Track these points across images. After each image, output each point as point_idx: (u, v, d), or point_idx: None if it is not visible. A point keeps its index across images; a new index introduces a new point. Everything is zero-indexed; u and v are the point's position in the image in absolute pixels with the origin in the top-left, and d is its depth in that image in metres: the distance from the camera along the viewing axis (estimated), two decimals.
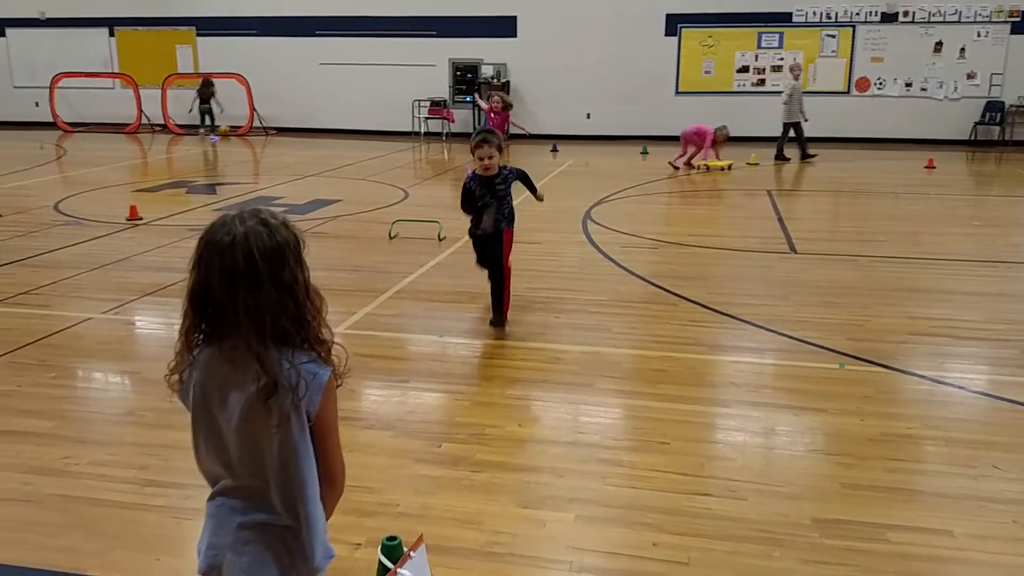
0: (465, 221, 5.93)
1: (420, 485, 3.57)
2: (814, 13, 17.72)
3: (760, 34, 18.11)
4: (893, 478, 3.65)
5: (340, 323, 5.71)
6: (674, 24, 18.33)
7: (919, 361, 5.05)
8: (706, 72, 18.45)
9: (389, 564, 2.42)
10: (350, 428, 4.13)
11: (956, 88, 17.43)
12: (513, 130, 14.49)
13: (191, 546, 3.04)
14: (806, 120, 15.09)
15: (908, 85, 17.61)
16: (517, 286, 6.66)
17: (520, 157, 15.81)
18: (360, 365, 4.99)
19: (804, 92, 16.84)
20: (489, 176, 5.50)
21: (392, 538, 2.47)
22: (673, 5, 18.17)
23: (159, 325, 5.81)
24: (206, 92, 19.00)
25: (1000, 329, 5.64)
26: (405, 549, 2.49)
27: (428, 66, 19.27)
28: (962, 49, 17.30)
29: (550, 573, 2.95)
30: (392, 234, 8.46)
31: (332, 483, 1.85)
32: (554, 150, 16.64)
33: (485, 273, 5.79)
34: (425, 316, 6.01)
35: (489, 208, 5.56)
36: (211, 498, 1.86)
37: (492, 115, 12.84)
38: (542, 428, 4.18)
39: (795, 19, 17.81)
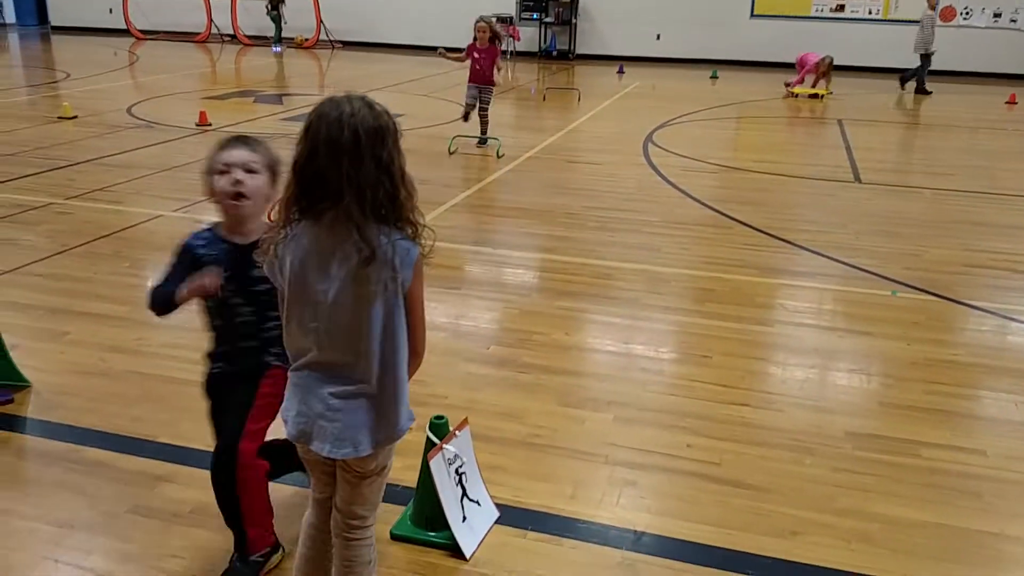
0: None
1: (468, 381, 3.73)
2: None
3: None
4: (931, 399, 3.69)
5: None
6: None
7: (973, 291, 5.01)
8: None
9: (435, 439, 2.59)
10: None
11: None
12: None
13: None
14: (933, 51, 14.42)
15: (997, 16, 16.80)
16: (571, 204, 6.73)
17: (585, 78, 15.64)
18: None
19: (887, 20, 16.24)
20: (242, 242, 2.39)
21: (439, 417, 2.63)
22: None
23: None
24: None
25: None
26: (451, 429, 2.66)
27: None
28: None
29: (585, 464, 3.11)
30: (452, 149, 8.54)
31: (416, 354, 2.01)
32: (620, 71, 16.38)
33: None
34: (480, 229, 6.13)
35: (230, 315, 2.47)
36: (296, 369, 1.98)
37: (476, 54, 8.50)
38: (587, 337, 4.30)
39: None
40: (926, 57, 14.31)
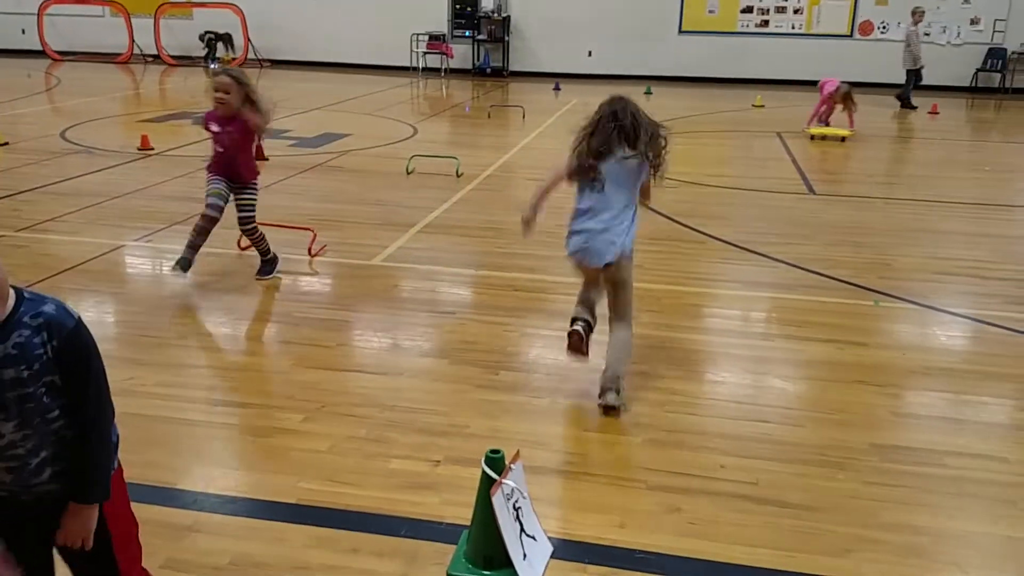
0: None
1: (485, 409, 3.65)
2: None
3: None
4: (940, 408, 3.77)
5: (374, 255, 5.74)
6: None
7: (950, 299, 5.16)
8: (710, 11, 18.25)
9: (494, 475, 2.51)
10: (407, 355, 4.20)
11: (959, 34, 17.37)
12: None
13: (278, 464, 3.14)
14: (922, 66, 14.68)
15: None
16: (545, 223, 6.68)
17: (523, 95, 15.69)
18: (404, 295, 5.05)
19: (809, 34, 16.77)
20: None
21: (495, 451, 2.54)
22: None
23: (199, 254, 5.80)
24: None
25: (1021, 269, 5.76)
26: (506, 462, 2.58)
27: None
28: None
29: (626, 491, 3.06)
30: (410, 169, 8.43)
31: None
32: (556, 88, 16.50)
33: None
34: (457, 250, 6.04)
35: None
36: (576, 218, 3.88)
37: (216, 129, 5.12)
38: (593, 358, 4.25)
39: None
40: (915, 72, 14.62)
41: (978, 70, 17.28)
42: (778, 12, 18.02)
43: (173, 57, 19.21)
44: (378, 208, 7.10)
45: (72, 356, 1.76)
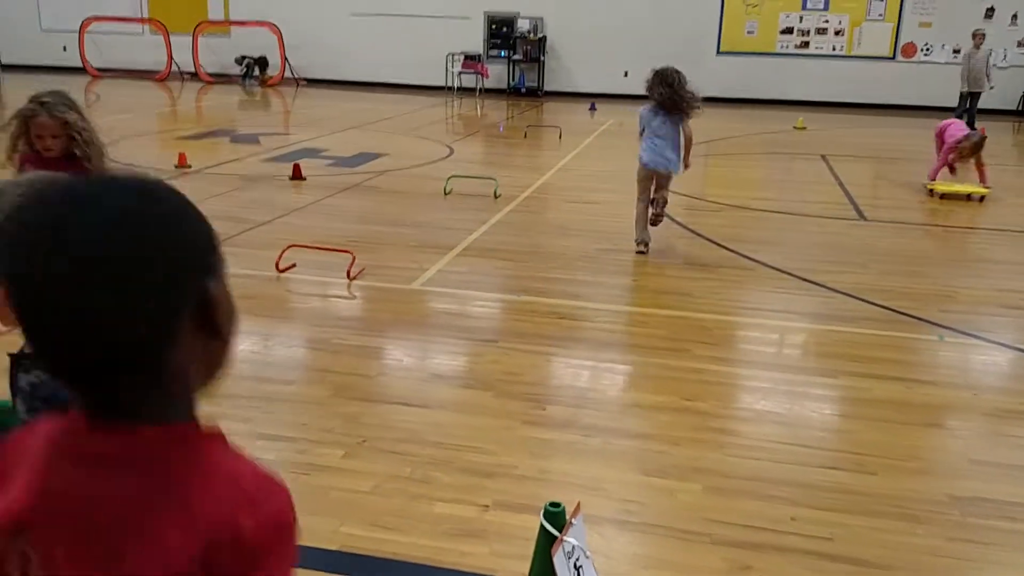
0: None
1: (533, 448, 3.45)
2: None
3: None
4: (1020, 455, 3.51)
5: (414, 279, 5.58)
6: None
7: (1018, 335, 4.89)
8: (749, 32, 18.06)
9: (555, 532, 2.31)
10: (449, 386, 4.02)
11: (1005, 56, 16.99)
12: None
13: (318, 504, 2.97)
14: (990, 88, 14.19)
15: (956, 52, 17.14)
16: (584, 247, 6.52)
17: (558, 115, 15.56)
18: (445, 322, 4.88)
19: (851, 56, 16.49)
20: None
21: (555, 504, 2.35)
22: None
23: (232, 274, 5.67)
24: None
25: None
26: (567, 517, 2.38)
27: (462, 19, 18.91)
28: (1014, 16, 16.86)
29: (691, 545, 2.84)
30: (447, 190, 8.29)
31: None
32: (592, 108, 16.34)
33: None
34: (497, 274, 5.86)
35: None
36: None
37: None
38: (644, 394, 4.05)
39: None
40: (970, 95, 14.13)
41: None
42: (819, 33, 17.78)
43: (210, 75, 19.34)
44: (416, 230, 6.95)
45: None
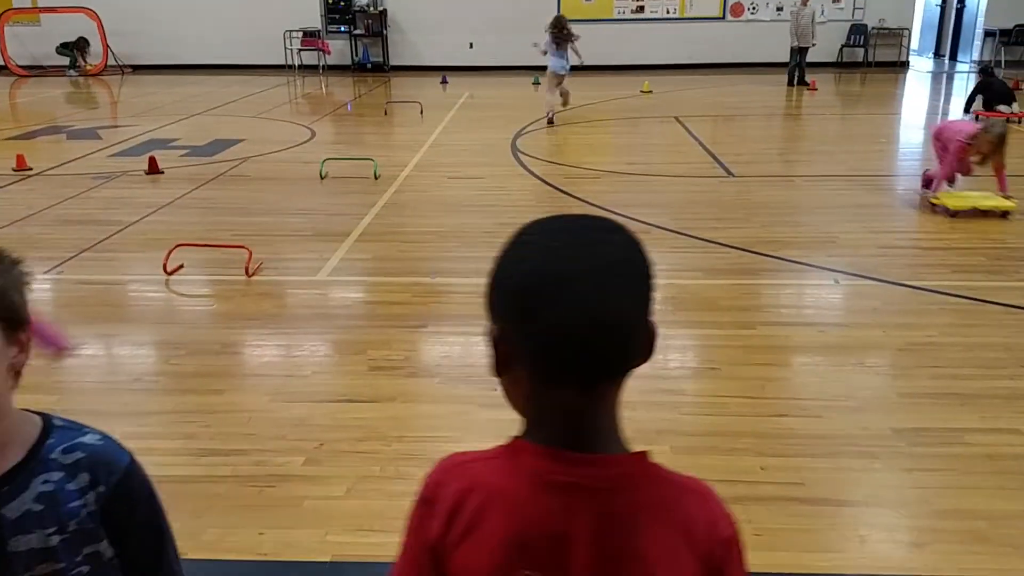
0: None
1: (498, 430, 3.38)
2: None
3: None
4: (941, 384, 3.80)
5: (318, 270, 5.37)
6: None
7: (902, 272, 5.27)
8: (587, 0, 18.37)
9: None
10: (393, 377, 3.91)
11: (823, 12, 18.11)
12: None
13: (296, 517, 2.82)
14: (813, 45, 14.94)
15: (779, 10, 18.16)
16: (482, 223, 6.49)
17: (411, 90, 15.33)
18: (366, 311, 4.73)
19: (681, 19, 17.14)
20: None
21: None
22: None
23: (117, 283, 5.27)
24: None
25: (958, 238, 5.97)
26: None
27: None
28: None
29: None
30: (323, 174, 8.00)
31: None
32: (444, 82, 16.19)
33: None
34: (403, 258, 5.73)
35: None
36: None
37: None
38: None
39: None
40: (798, 51, 14.90)
41: (843, 46, 18.11)
42: None
43: (21, 67, 17.73)
44: (302, 218, 6.68)
45: (128, 511, 1.20)
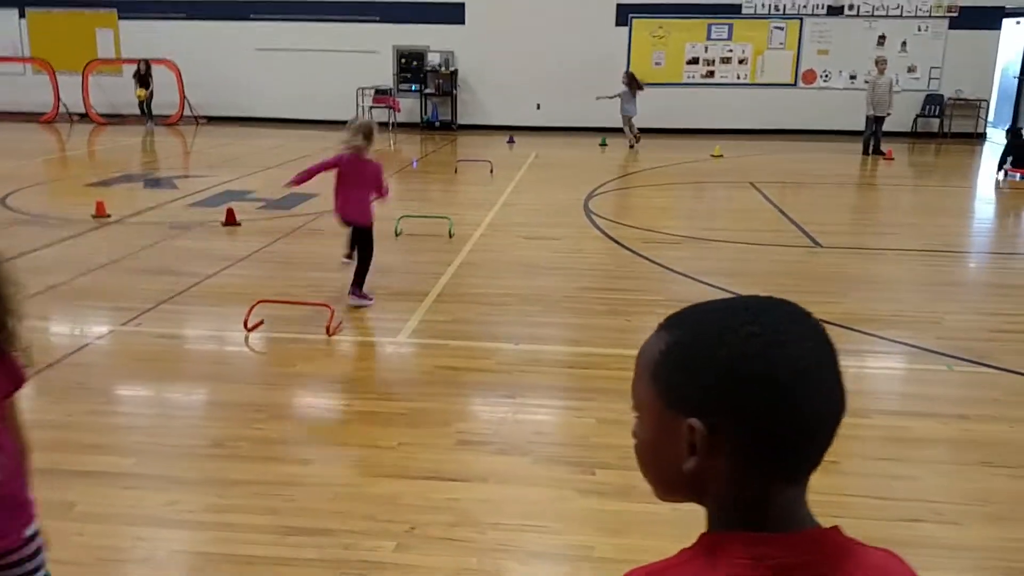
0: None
1: (601, 522, 3.14)
2: (763, 5, 17.86)
3: (709, 25, 18.14)
4: None
5: (397, 331, 5.20)
6: (625, 14, 18.18)
7: (1021, 359, 4.90)
8: (656, 64, 18.38)
9: None
10: (481, 453, 3.67)
11: (898, 81, 17.80)
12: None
13: None
14: (889, 114, 14.70)
15: (852, 77, 17.93)
16: (562, 286, 6.29)
17: (478, 149, 15.36)
18: (450, 379, 4.52)
19: (751, 84, 16.99)
20: None
21: None
22: None
23: (195, 338, 5.16)
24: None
25: None
26: None
27: (370, 53, 18.55)
28: (903, 43, 17.75)
29: None
30: (398, 231, 7.91)
31: None
32: (510, 141, 16.22)
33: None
34: (483, 321, 5.53)
35: None
36: None
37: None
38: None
39: (744, 11, 17.91)
40: (875, 119, 14.66)
41: (917, 116, 17.75)
42: (723, 63, 18.25)
43: (102, 116, 18.27)
44: (379, 276, 6.52)
45: None
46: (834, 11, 17.72)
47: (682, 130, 17.74)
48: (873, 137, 14.73)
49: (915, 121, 17.81)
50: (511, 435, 3.86)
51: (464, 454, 3.67)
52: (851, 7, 17.64)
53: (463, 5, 18.34)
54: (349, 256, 6.34)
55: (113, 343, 4.94)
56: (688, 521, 2.95)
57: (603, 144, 16.07)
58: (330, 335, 5.08)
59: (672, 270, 6.78)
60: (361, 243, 5.86)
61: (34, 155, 13.53)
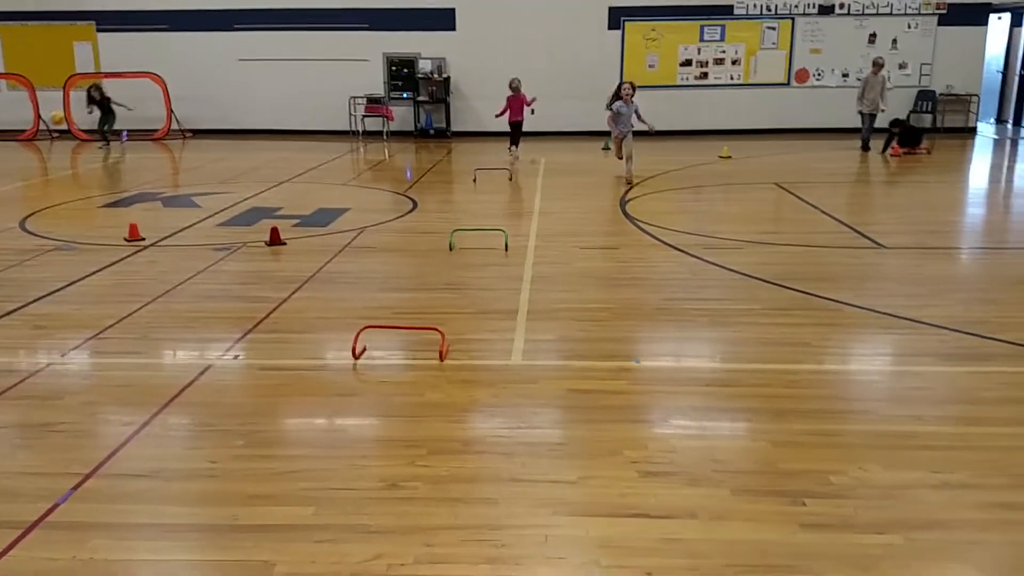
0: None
1: (852, 559, 2.94)
2: (755, 6, 17.89)
3: (702, 27, 18.13)
4: None
5: (508, 353, 4.96)
6: (617, 17, 18.08)
7: None
8: (650, 66, 18.31)
9: None
10: (670, 485, 3.45)
11: (889, 78, 17.95)
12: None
13: None
14: (882, 111, 14.80)
15: (845, 75, 18.06)
16: (649, 298, 6.11)
17: (478, 156, 15.11)
18: (594, 403, 4.29)
19: (746, 84, 17.02)
20: None
21: None
22: None
23: (304, 367, 4.84)
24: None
25: None
26: None
27: (360, 61, 18.20)
28: (894, 40, 17.91)
29: None
30: (452, 245, 7.66)
31: None
32: (511, 147, 15.95)
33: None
34: (591, 339, 5.31)
35: None
36: None
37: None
38: (893, 471, 3.58)
39: (736, 12, 17.93)
40: (868, 116, 14.86)
41: (910, 112, 17.91)
42: (716, 64, 18.24)
43: (85, 131, 17.64)
44: (455, 293, 6.31)
45: None
46: (825, 10, 17.82)
47: (678, 132, 17.68)
48: (867, 134, 14.90)
49: (908, 117, 17.95)
50: (690, 463, 3.65)
51: (655, 487, 3.45)
52: (842, 6, 17.76)
53: (453, 11, 18.09)
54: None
55: (221, 378, 4.62)
56: (919, 551, 2.73)
57: (606, 148, 15.91)
58: (442, 359, 4.83)
59: (753, 276, 6.63)
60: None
61: (30, 175, 12.99)
